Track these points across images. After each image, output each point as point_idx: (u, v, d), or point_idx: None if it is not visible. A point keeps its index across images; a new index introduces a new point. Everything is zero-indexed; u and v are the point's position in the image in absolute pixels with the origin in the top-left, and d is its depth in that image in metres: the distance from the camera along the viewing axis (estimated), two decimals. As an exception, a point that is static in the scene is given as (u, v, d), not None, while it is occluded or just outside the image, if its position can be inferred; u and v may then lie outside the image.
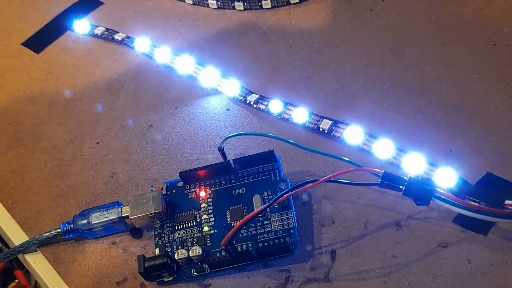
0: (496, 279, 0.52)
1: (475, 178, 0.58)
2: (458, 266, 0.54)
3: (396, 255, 0.55)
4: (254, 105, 0.68)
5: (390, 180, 0.53)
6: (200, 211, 0.60)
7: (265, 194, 0.59)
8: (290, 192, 0.53)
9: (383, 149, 0.61)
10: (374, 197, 0.59)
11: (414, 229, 0.57)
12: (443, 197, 0.52)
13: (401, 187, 0.52)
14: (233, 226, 0.57)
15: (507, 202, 0.55)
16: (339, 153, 0.61)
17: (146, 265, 0.56)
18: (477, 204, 0.54)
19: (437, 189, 0.52)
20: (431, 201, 0.52)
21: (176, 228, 0.59)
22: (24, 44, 0.81)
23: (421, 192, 0.52)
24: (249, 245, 0.57)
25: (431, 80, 0.66)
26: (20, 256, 0.63)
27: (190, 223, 0.59)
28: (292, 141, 0.59)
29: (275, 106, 0.67)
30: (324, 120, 0.64)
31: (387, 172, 0.53)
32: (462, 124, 0.62)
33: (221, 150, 0.60)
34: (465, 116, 0.63)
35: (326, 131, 0.64)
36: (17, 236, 0.64)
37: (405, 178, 0.52)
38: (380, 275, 0.55)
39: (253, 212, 0.53)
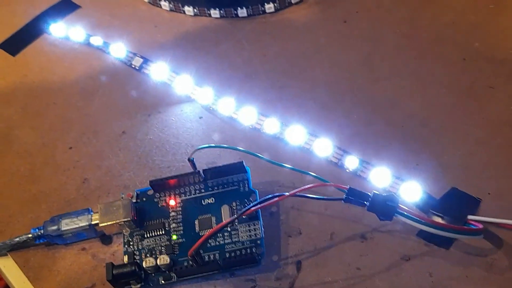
0: (456, 293, 0.54)
1: (440, 192, 0.59)
2: (420, 279, 0.55)
3: (360, 267, 0.56)
4: (226, 114, 0.69)
5: (354, 195, 0.54)
6: (169, 220, 0.60)
7: (234, 204, 0.60)
8: (257, 206, 0.54)
9: (351, 162, 0.62)
10: (341, 209, 0.59)
11: (379, 241, 0.58)
12: (405, 213, 0.53)
13: (365, 202, 0.53)
14: (201, 235, 0.57)
15: (470, 217, 0.57)
16: (308, 164, 0.62)
17: (114, 272, 0.57)
18: (438, 221, 0.55)
19: (400, 205, 0.53)
20: (394, 216, 0.53)
21: (145, 236, 0.60)
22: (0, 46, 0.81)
23: (384, 208, 0.53)
24: (216, 255, 0.58)
25: (401, 93, 0.68)
26: (-10, 260, 0.64)
27: (159, 231, 0.60)
28: (261, 156, 0.60)
29: (247, 115, 0.67)
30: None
31: (352, 188, 0.54)
32: (429, 138, 0.64)
33: (191, 161, 0.61)
34: (433, 130, 0.64)
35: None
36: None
37: (369, 194, 0.53)
38: (343, 286, 0.56)
39: (220, 225, 0.54)
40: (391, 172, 0.61)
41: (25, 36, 0.81)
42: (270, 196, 0.54)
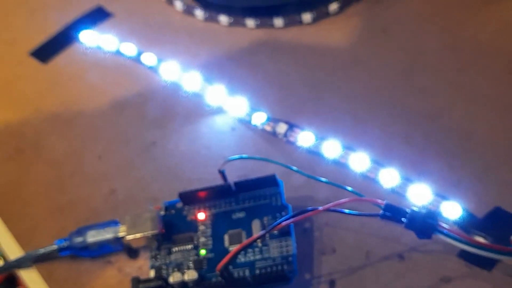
0: (498, 318, 0.51)
1: (483, 211, 0.56)
2: (460, 302, 0.52)
3: (397, 288, 0.54)
4: (260, 126, 0.66)
5: (392, 211, 0.51)
6: (198, 234, 0.58)
7: (265, 219, 0.57)
8: (288, 220, 0.52)
9: (389, 177, 0.59)
10: (378, 226, 0.57)
11: (417, 261, 0.55)
12: (446, 231, 0.50)
13: (403, 219, 0.51)
14: (231, 251, 0.55)
15: (514, 238, 0.54)
16: (344, 179, 0.59)
17: (140, 287, 0.55)
18: (481, 241, 0.52)
19: (440, 223, 0.50)
20: (433, 235, 0.50)
21: (173, 250, 0.58)
22: (31, 54, 0.80)
23: (423, 225, 0.50)
24: (246, 271, 0.55)
25: (443, 106, 0.65)
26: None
27: (187, 245, 0.58)
28: (295, 168, 0.58)
29: (281, 128, 0.65)
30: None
31: (389, 204, 0.51)
32: (472, 153, 0.61)
33: (222, 173, 0.59)
34: (476, 145, 0.61)
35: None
36: (13, 250, 0.63)
37: (407, 210, 0.51)
38: (379, 308, 0.53)
39: (249, 240, 0.52)
40: (431, 189, 0.58)
41: (57, 44, 0.80)
42: (302, 210, 0.52)
